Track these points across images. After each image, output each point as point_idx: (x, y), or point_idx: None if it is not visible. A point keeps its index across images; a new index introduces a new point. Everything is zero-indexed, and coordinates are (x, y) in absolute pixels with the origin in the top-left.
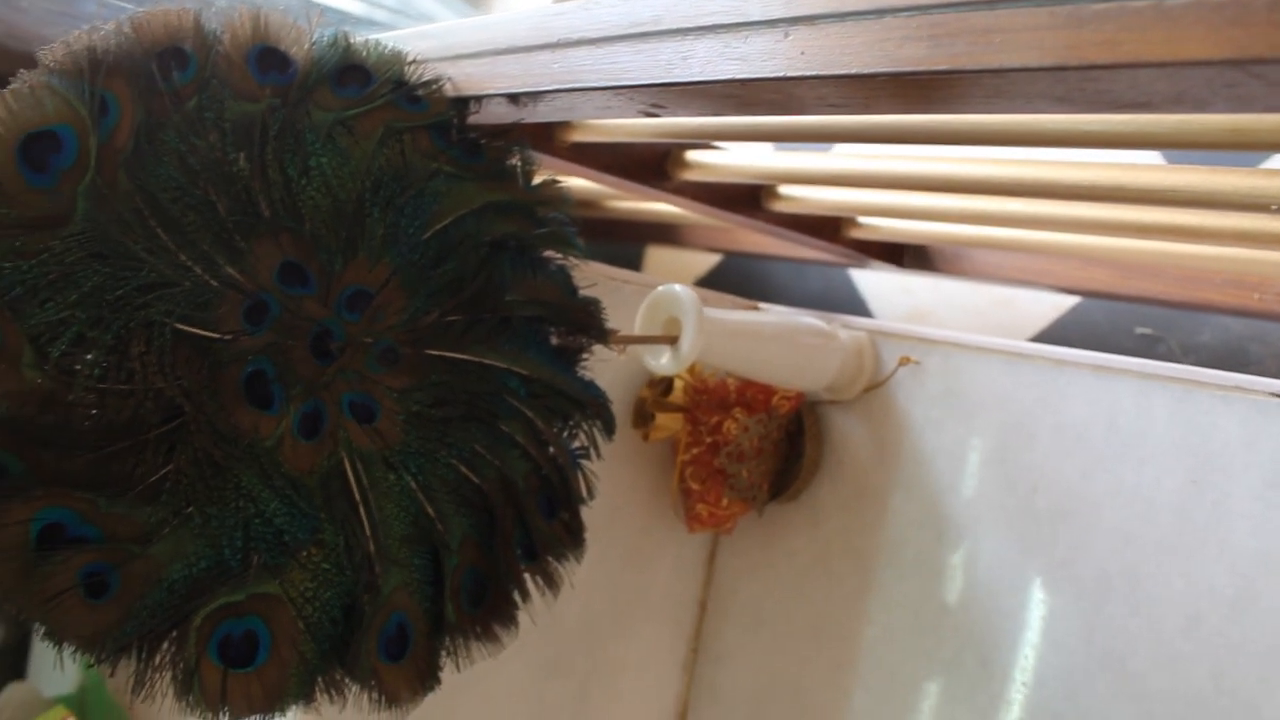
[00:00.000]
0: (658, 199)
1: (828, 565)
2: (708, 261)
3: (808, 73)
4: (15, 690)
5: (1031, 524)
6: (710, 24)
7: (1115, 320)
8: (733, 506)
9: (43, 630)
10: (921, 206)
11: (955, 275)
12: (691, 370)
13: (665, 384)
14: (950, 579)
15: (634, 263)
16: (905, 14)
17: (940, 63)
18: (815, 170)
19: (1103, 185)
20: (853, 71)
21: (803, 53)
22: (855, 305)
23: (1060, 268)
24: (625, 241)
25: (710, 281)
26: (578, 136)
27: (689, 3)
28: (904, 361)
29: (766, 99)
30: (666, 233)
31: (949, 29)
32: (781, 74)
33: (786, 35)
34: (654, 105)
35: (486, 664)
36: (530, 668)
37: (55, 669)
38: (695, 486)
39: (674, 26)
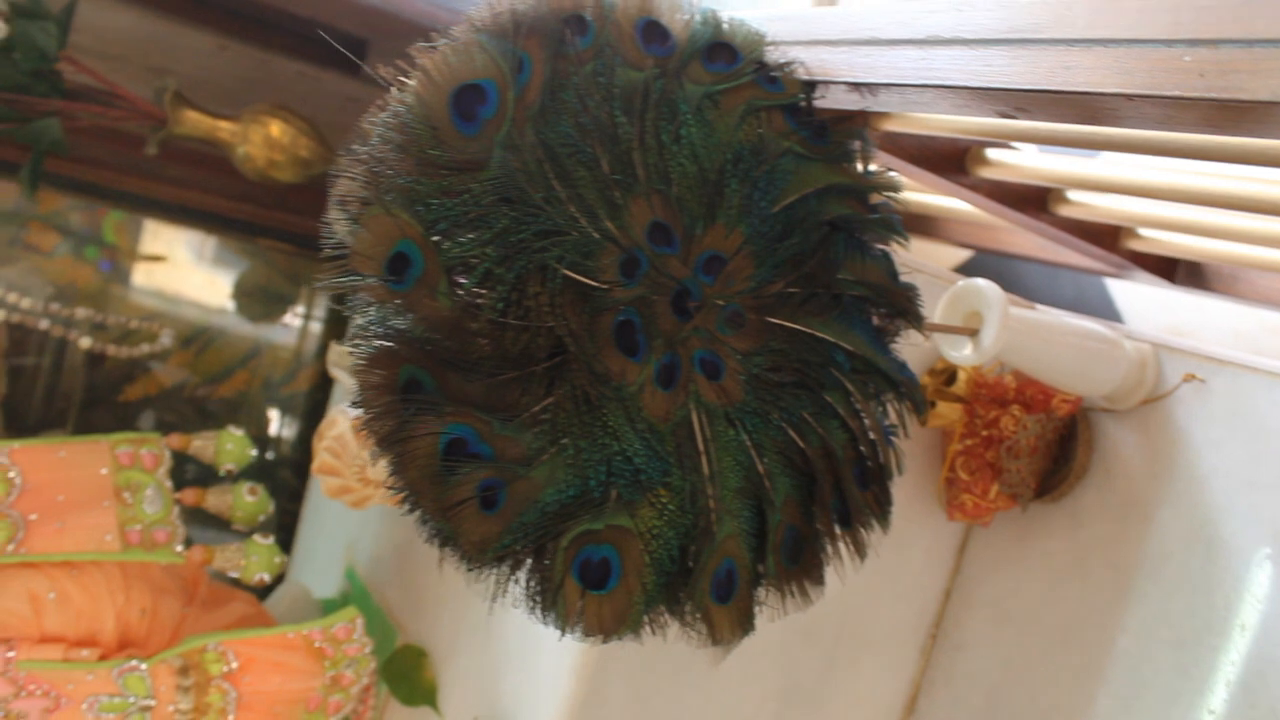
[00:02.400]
0: (950, 193)
1: (1084, 570)
2: (956, 256)
3: (1205, 95)
4: (289, 588)
5: None
6: (1100, 38)
7: None
8: (998, 500)
9: (435, 532)
10: (1210, 224)
11: (1229, 296)
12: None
13: (948, 373)
14: (1217, 600)
15: None
16: None
17: None
18: (1111, 179)
19: None
20: (1260, 99)
21: (1201, 75)
22: (1108, 314)
23: None
24: None
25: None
26: (892, 125)
27: (1076, 15)
28: (1188, 378)
29: (1145, 113)
30: (916, 223)
31: None
32: (1174, 94)
33: (1185, 57)
34: (1017, 109)
35: None
36: (787, 631)
37: (315, 572)
38: (965, 477)
39: (1057, 36)
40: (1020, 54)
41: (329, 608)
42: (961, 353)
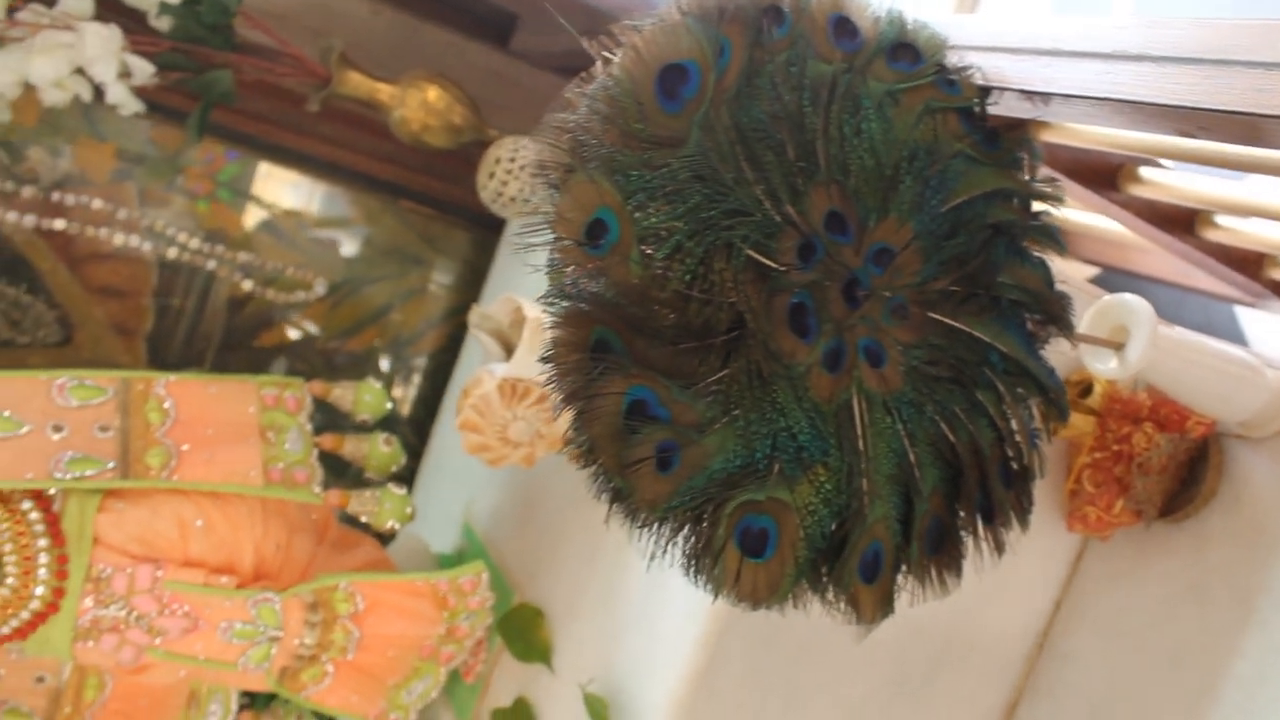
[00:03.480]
0: (1098, 208)
1: (1205, 593)
2: (1082, 273)
3: None
4: (406, 540)
5: None
6: None
7: None
8: (1121, 516)
9: (608, 488)
10: None
11: None
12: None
13: (1083, 385)
14: None
15: None
16: None
17: None
18: (1265, 205)
19: None
20: None
21: None
22: (1237, 342)
23: None
24: None
25: None
26: (1051, 136)
27: (1278, 39)
28: None
29: None
30: None
31: None
32: None
33: None
34: (1200, 128)
35: None
36: (902, 624)
37: (430, 528)
38: (1090, 489)
39: (1255, 59)
40: (1213, 74)
41: (444, 563)
42: (1106, 365)
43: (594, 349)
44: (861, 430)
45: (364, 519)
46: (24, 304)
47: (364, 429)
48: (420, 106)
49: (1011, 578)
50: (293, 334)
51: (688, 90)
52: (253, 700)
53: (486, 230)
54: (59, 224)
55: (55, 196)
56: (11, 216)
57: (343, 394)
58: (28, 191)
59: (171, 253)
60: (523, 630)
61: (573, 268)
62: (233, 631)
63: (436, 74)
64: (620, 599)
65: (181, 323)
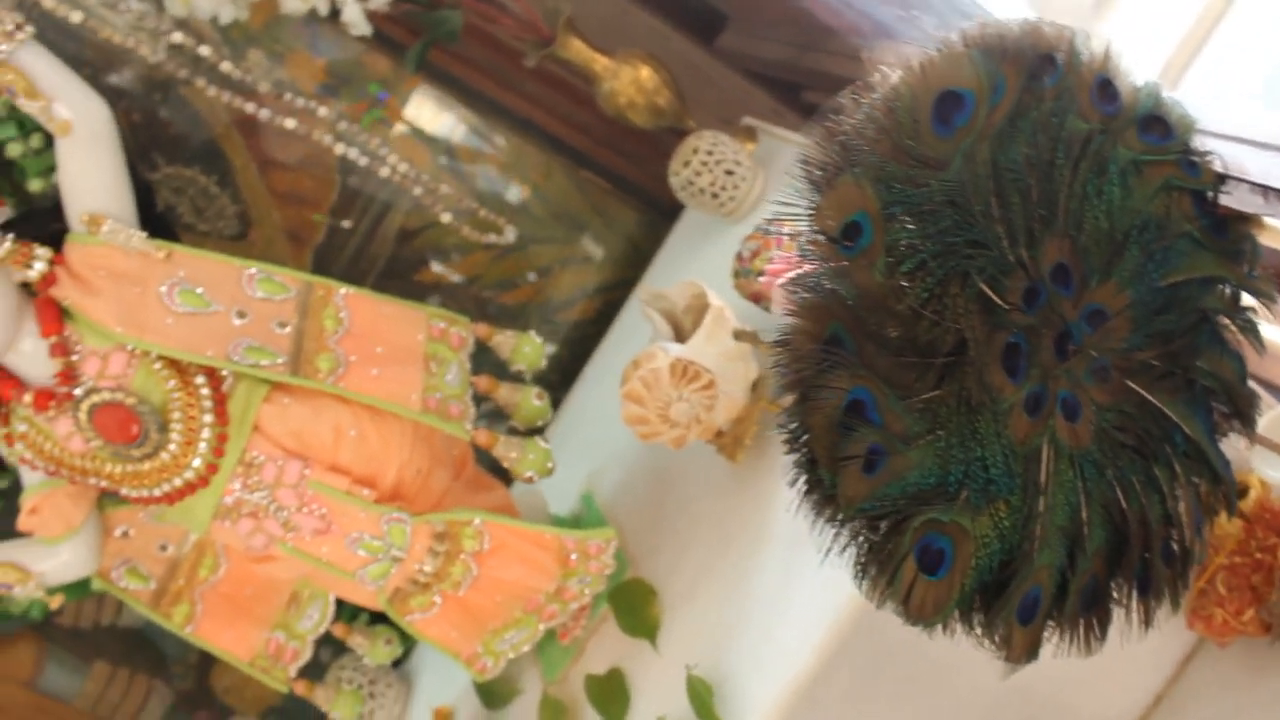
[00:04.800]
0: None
1: None
2: None
3: None
4: (527, 494)
5: None
6: None
7: None
8: (1249, 625)
9: (809, 476)
10: None
11: None
12: (1265, 485)
13: (1239, 487)
14: None
15: None
16: None
17: None
18: None
19: None
20: None
21: None
22: None
23: None
24: None
25: None
26: (1266, 239)
27: None
28: None
29: None
30: None
31: None
32: None
33: None
34: None
35: (968, 657)
36: (1005, 684)
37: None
38: (1222, 591)
39: None
40: None
41: (559, 524)
42: (1276, 472)
43: (826, 342)
44: (1046, 477)
45: (505, 464)
46: (212, 194)
47: (516, 379)
48: (631, 83)
49: (1119, 661)
50: (453, 276)
51: (960, 118)
52: (339, 613)
53: (658, 214)
54: (289, 123)
55: (286, 96)
56: (249, 108)
57: (503, 341)
58: (264, 86)
59: (383, 172)
60: (634, 604)
61: (820, 263)
62: (361, 543)
63: (651, 55)
64: (742, 595)
65: (350, 244)
